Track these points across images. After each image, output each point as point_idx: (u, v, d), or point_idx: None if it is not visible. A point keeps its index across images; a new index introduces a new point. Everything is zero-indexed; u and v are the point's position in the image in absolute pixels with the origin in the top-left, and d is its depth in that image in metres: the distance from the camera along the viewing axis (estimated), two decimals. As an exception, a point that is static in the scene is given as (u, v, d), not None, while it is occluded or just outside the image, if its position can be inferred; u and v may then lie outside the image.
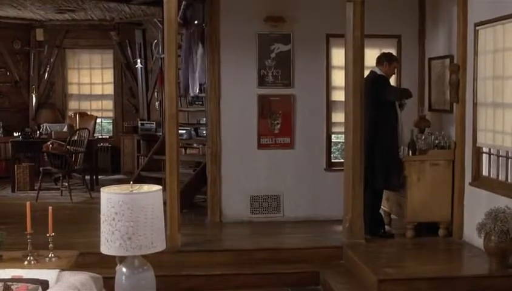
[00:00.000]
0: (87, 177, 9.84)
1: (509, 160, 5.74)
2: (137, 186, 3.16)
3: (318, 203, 7.41)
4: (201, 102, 9.75)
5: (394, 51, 7.32)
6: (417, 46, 7.47)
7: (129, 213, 2.97)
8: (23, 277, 3.29)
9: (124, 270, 3.13)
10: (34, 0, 9.76)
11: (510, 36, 5.53)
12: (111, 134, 12.80)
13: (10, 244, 4.63)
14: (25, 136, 10.29)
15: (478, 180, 6.17)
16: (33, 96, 12.19)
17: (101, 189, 3.12)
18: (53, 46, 12.27)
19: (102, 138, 12.46)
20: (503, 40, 5.65)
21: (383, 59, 6.62)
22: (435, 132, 6.72)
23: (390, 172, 6.45)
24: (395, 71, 6.81)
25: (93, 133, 11.36)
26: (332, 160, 7.70)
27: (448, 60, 6.73)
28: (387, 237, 6.53)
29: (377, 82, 6.50)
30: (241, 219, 7.40)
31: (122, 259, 3.13)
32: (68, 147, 9.32)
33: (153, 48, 11.37)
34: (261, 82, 7.41)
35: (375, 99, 6.40)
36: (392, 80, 6.86)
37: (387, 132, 6.45)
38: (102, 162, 11.56)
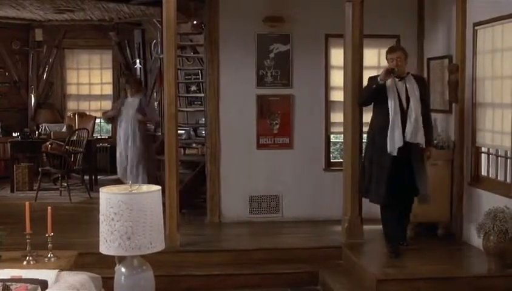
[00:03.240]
0: (86, 177, 9.84)
1: (508, 160, 5.74)
2: (136, 186, 3.16)
3: (317, 203, 7.41)
4: (200, 102, 9.78)
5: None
6: (415, 47, 7.45)
7: (128, 213, 2.98)
8: (23, 277, 3.29)
9: (123, 270, 3.13)
10: (33, 1, 9.76)
11: (509, 36, 5.54)
12: (110, 135, 12.78)
13: (9, 244, 4.62)
14: (24, 136, 10.29)
15: (477, 180, 6.18)
16: (32, 96, 12.18)
17: (100, 189, 3.12)
18: (51, 47, 12.26)
19: (101, 138, 12.44)
20: (501, 40, 5.66)
21: None
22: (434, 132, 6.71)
23: (370, 184, 5.87)
24: (396, 62, 5.69)
25: (92, 133, 11.37)
26: (331, 160, 7.70)
27: (446, 60, 6.74)
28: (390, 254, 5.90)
29: None
30: (240, 219, 7.40)
31: (122, 259, 3.14)
32: (67, 147, 9.32)
33: (152, 48, 11.37)
34: (260, 82, 7.41)
35: None
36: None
37: (368, 138, 6.02)
38: (101, 162, 11.54)
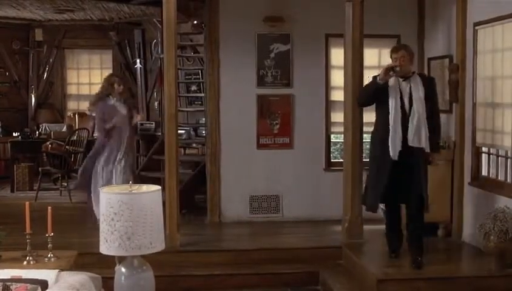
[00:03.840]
0: (86, 177, 9.83)
1: (509, 160, 5.74)
2: (136, 186, 3.17)
3: (317, 203, 7.40)
4: (200, 102, 9.78)
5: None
6: (416, 46, 7.42)
7: (128, 213, 2.98)
8: (23, 277, 3.29)
9: (123, 270, 3.13)
10: (33, 1, 9.76)
11: (509, 35, 5.54)
12: (110, 135, 12.76)
13: (9, 244, 4.62)
14: (24, 136, 10.31)
15: (478, 180, 6.17)
16: (32, 96, 12.19)
17: (100, 189, 3.12)
18: (52, 47, 12.27)
19: (101, 138, 12.42)
20: (502, 40, 5.66)
21: None
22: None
23: (366, 190, 5.80)
24: (399, 62, 5.41)
25: (92, 133, 11.34)
26: (331, 160, 7.69)
27: (447, 60, 6.73)
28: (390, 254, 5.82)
29: None
30: (240, 219, 7.40)
31: (122, 259, 3.14)
32: (67, 147, 9.33)
33: (153, 48, 11.37)
34: (260, 82, 7.41)
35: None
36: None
37: (372, 139, 5.80)
38: (101, 162, 11.52)
